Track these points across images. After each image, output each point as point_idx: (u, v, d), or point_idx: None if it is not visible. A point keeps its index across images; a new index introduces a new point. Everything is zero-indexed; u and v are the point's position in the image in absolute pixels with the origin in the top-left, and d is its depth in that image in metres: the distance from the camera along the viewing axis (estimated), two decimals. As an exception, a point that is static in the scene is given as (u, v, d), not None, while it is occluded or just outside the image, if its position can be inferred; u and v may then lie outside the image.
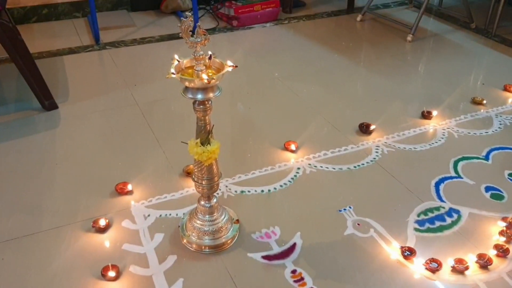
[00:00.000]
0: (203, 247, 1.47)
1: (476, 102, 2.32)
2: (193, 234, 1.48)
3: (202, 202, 1.46)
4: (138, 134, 2.04)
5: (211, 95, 1.24)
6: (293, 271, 1.40)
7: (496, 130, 2.11)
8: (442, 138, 2.05)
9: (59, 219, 1.57)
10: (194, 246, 1.48)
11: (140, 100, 2.31)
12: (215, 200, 1.48)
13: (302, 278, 1.38)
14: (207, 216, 1.48)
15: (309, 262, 1.43)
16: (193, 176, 1.40)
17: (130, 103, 2.28)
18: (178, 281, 1.37)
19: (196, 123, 1.31)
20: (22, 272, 1.38)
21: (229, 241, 1.49)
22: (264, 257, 1.45)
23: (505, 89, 2.45)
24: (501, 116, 2.21)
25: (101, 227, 1.53)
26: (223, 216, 1.50)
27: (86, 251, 1.45)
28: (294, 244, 1.50)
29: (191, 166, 1.79)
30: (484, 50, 2.97)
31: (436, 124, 2.14)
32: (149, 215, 1.61)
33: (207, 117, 1.30)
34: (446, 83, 2.53)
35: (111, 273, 1.35)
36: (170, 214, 1.61)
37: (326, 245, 1.49)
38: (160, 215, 1.61)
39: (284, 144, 1.97)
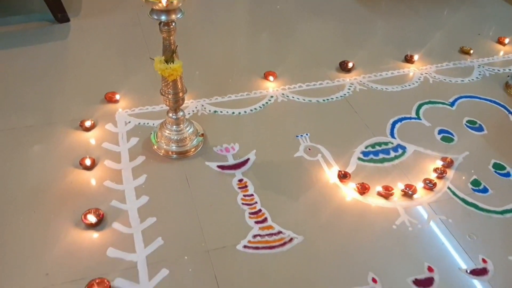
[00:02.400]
0: (170, 153, 1.71)
1: (464, 52, 2.38)
2: (162, 141, 1.71)
3: (170, 114, 1.68)
4: (135, 51, 2.25)
5: (173, 17, 1.41)
6: (240, 180, 1.62)
7: (473, 79, 2.19)
8: (417, 82, 2.16)
9: (53, 117, 1.83)
10: (162, 151, 1.71)
11: (143, 21, 2.49)
12: (181, 113, 1.69)
13: (245, 186, 1.60)
14: (174, 126, 1.70)
15: (256, 175, 1.64)
16: (161, 90, 1.61)
17: (134, 23, 2.47)
18: (142, 176, 1.61)
19: (162, 42, 1.50)
20: (18, 156, 1.66)
21: (192, 150, 1.72)
22: (219, 166, 1.67)
23: (498, 41, 2.48)
24: (483, 67, 2.28)
25: (87, 127, 1.78)
26: (188, 128, 1.72)
27: (70, 145, 1.71)
28: (248, 159, 1.71)
29: (175, 84, 2.00)
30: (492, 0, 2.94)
31: (416, 69, 2.24)
32: (129, 122, 1.85)
33: (171, 38, 1.48)
34: (442, 30, 2.57)
35: (88, 161, 1.61)
36: (147, 123, 1.84)
37: (275, 164, 1.70)
38: (139, 123, 1.84)
39: (264, 74, 2.13)
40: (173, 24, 1.45)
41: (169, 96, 1.60)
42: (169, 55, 1.49)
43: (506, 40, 2.46)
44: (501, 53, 2.43)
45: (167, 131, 1.70)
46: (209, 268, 1.33)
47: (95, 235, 1.40)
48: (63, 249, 1.35)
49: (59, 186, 1.54)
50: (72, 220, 1.43)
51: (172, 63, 1.49)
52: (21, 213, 1.44)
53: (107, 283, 1.23)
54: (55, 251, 1.34)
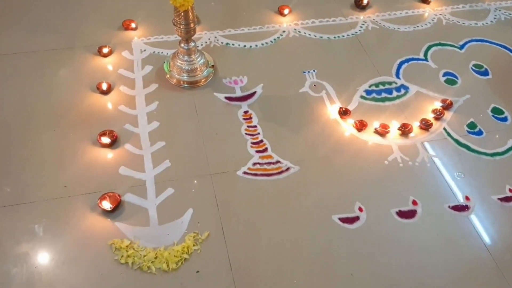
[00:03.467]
0: (181, 82, 1.80)
1: (483, -7, 2.34)
2: (174, 70, 1.80)
3: (182, 45, 1.75)
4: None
5: (185, -51, 1.45)
6: (246, 112, 1.72)
7: (487, 23, 2.18)
8: (430, 23, 2.16)
9: (73, 41, 1.92)
10: (174, 80, 1.80)
11: None
12: (193, 44, 1.76)
13: (250, 117, 1.70)
14: (185, 57, 1.77)
15: (261, 108, 1.73)
16: (173, 21, 1.67)
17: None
18: (154, 103, 1.72)
19: (175, -26, 1.54)
20: (40, 78, 1.77)
21: (203, 80, 1.81)
22: (227, 98, 1.77)
23: (521, -16, 2.42)
24: (500, 10, 2.25)
25: (104, 53, 1.87)
26: (199, 59, 1.80)
27: (89, 70, 1.81)
28: (255, 92, 1.79)
29: (190, 14, 2.05)
30: None
31: (431, 9, 2.23)
32: (145, 50, 1.93)
33: (183, -31, 1.52)
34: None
35: (104, 86, 1.72)
36: (162, 52, 1.92)
37: (280, 98, 1.78)
38: (154, 52, 1.92)
39: (278, 8, 2.16)
40: (185, -44, 1.48)
41: (181, 27, 1.66)
42: (181, -14, 1.54)
43: (530, -17, 2.39)
44: (522, -4, 2.37)
45: (179, 61, 1.78)
46: (211, 190, 1.46)
47: (109, 154, 1.53)
48: (80, 165, 1.49)
49: (77, 108, 1.66)
50: (89, 140, 1.56)
51: (183, -6, 1.54)
52: (42, 131, 1.58)
53: (118, 197, 1.38)
54: (73, 166, 1.48)
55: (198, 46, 1.94)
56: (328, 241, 1.37)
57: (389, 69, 1.91)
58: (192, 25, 1.67)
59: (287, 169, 1.54)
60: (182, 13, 1.62)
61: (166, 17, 2.04)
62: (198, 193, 1.45)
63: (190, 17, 1.65)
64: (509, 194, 1.50)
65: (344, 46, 2.01)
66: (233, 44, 1.98)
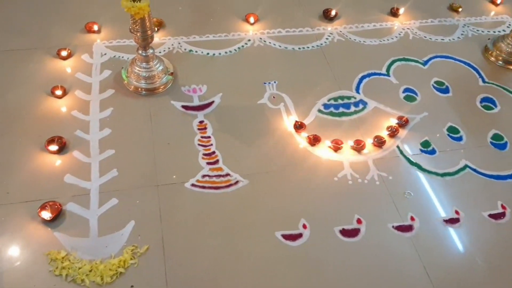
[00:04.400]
0: (139, 89, 1.79)
1: (453, 9, 2.34)
2: (132, 77, 1.79)
3: (140, 51, 1.74)
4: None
5: (139, -43, 1.44)
6: (201, 121, 1.71)
7: (453, 39, 2.18)
8: (397, 37, 2.16)
9: (34, 43, 1.90)
10: (132, 87, 1.79)
11: None
12: (151, 50, 1.75)
13: (205, 128, 1.69)
14: (143, 63, 1.76)
15: (217, 118, 1.73)
16: (130, 28, 1.66)
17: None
18: (108, 109, 1.71)
19: (130, -19, 1.53)
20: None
21: (161, 87, 1.80)
22: (183, 106, 1.76)
23: (492, 0, 2.43)
24: (468, 26, 2.26)
25: (63, 56, 1.86)
26: (158, 65, 1.79)
27: (46, 73, 1.80)
28: (212, 102, 1.78)
29: (155, 19, 2.04)
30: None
31: (399, 23, 2.23)
32: (105, 54, 1.91)
33: (139, -23, 1.51)
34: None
35: (58, 91, 1.70)
36: (122, 57, 1.91)
37: (237, 109, 1.77)
38: (115, 56, 1.91)
39: (246, 15, 2.15)
40: (140, -36, 1.47)
41: (138, 34, 1.65)
42: (136, -6, 1.53)
43: (498, 0, 2.40)
44: (492, 13, 2.38)
45: (137, 68, 1.77)
46: (155, 202, 1.45)
47: (56, 161, 1.52)
48: (25, 171, 1.48)
49: (30, 112, 1.65)
50: (37, 145, 1.55)
51: (139, 1, 1.53)
52: (-9, 135, 1.56)
53: (59, 206, 1.37)
54: (18, 172, 1.47)
55: (160, 52, 1.93)
56: (269, 258, 1.37)
57: (350, 83, 1.91)
58: (149, 32, 1.66)
59: (236, 182, 1.54)
60: (138, 21, 1.61)
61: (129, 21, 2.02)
62: (142, 205, 1.45)
63: (147, 24, 1.64)
64: (455, 215, 1.51)
65: (308, 58, 2.01)
66: (196, 51, 1.97)
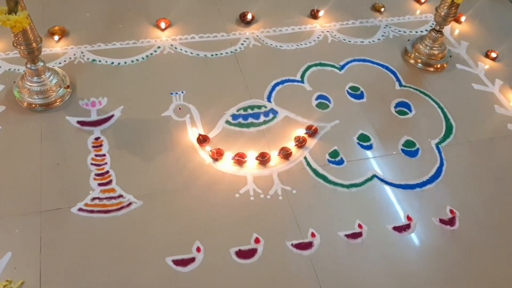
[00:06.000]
0: (33, 105, 1.67)
1: (376, 9, 2.30)
2: (24, 93, 1.66)
3: (28, 65, 1.62)
4: None
5: (7, -34, 1.32)
6: (97, 138, 1.61)
7: (373, 41, 2.13)
8: (315, 40, 2.09)
9: None
10: (25, 104, 1.67)
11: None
12: (41, 64, 1.63)
13: (100, 145, 1.59)
14: (35, 78, 1.65)
15: (115, 134, 1.63)
16: (12, 41, 1.54)
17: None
18: (-5, 128, 1.58)
19: (5, -9, 1.41)
20: None
21: (58, 100, 1.68)
22: (79, 122, 1.65)
23: (416, -1, 2.39)
24: (390, 27, 2.21)
25: (-49, 71, 1.71)
26: (51, 79, 1.67)
27: None
28: (112, 116, 1.68)
29: (56, 27, 1.92)
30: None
31: (319, 25, 2.17)
32: (0, 67, 1.78)
33: (12, -12, 1.39)
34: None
35: None
36: (19, 70, 1.78)
37: (139, 122, 1.67)
38: (10, 69, 1.78)
39: (156, 21, 2.04)
40: (11, -27, 1.35)
41: (21, 47, 1.53)
42: (12, 5, 1.41)
43: (423, -2, 2.37)
44: (418, 12, 2.35)
45: (28, 83, 1.65)
46: (37, 230, 1.35)
47: None
48: None
49: None
50: None
51: (14, 13, 1.41)
52: None
53: None
54: None
55: (60, 63, 1.82)
56: (159, 286, 1.29)
57: (262, 91, 1.84)
58: (34, 45, 1.54)
59: (129, 204, 1.44)
60: (20, 34, 1.49)
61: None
62: (21, 234, 1.34)
63: (31, 37, 1.52)
64: (358, 230, 1.46)
65: (221, 65, 1.92)
66: (100, 61, 1.86)
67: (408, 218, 1.51)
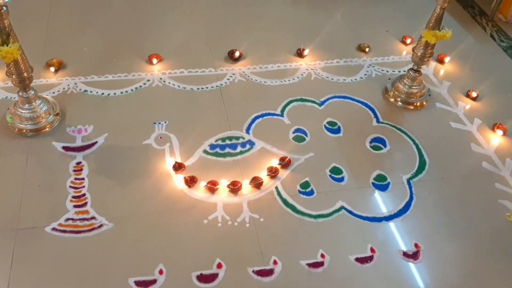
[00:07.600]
0: (24, 131, 1.78)
1: (361, 49, 2.38)
2: (16, 119, 1.78)
3: (20, 93, 1.74)
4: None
5: (1, 1, 1.46)
6: (78, 163, 1.70)
7: (356, 79, 2.21)
8: (299, 77, 2.18)
9: None
10: (16, 129, 1.78)
11: None
12: (32, 92, 1.75)
13: (81, 169, 1.68)
14: (26, 105, 1.76)
15: (96, 159, 1.72)
16: (6, 71, 1.66)
17: None
18: (-15, 152, 1.69)
19: (-3, 26, 1.54)
20: None
21: (48, 126, 1.79)
22: (64, 147, 1.75)
23: (402, 40, 2.47)
24: (373, 66, 2.29)
25: (-49, 97, 1.85)
26: (41, 106, 1.78)
27: None
28: (95, 143, 1.78)
29: (54, 59, 2.06)
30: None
31: (304, 63, 2.26)
32: (-3, 95, 1.91)
33: (5, 21, 1.53)
34: (352, 26, 2.53)
35: None
36: (14, 98, 1.90)
37: (120, 149, 1.76)
38: (6, 97, 1.91)
39: (149, 56, 2.17)
40: (4, 8, 1.49)
41: (13, 77, 1.66)
42: (4, 37, 1.54)
43: (408, 40, 2.45)
44: (404, 52, 2.42)
45: (19, 109, 1.76)
46: (10, 247, 1.42)
47: None
48: None
49: None
50: None
51: (6, 45, 1.54)
52: None
53: None
54: None
55: (54, 93, 1.94)
56: (119, 305, 1.34)
57: (242, 123, 1.91)
58: (25, 74, 1.67)
59: (100, 226, 1.51)
60: (12, 64, 1.61)
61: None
62: (-5, 250, 1.41)
63: (22, 67, 1.64)
64: (320, 259, 1.49)
65: (205, 98, 2.02)
66: (91, 92, 1.98)
67: (372, 250, 1.53)
